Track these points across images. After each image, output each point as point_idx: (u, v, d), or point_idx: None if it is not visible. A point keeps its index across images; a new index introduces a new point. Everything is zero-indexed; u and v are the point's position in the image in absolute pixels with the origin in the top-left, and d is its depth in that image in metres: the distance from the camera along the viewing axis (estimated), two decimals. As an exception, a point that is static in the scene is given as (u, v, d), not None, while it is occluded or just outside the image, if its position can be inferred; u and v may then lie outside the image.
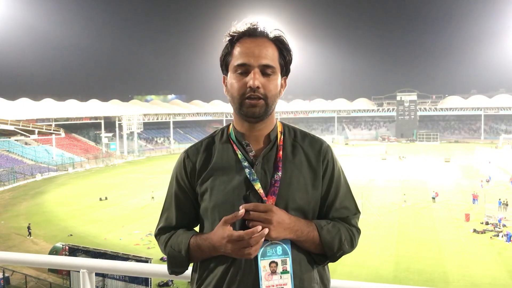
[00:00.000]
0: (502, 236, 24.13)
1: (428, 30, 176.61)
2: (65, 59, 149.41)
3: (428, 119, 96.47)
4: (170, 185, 1.59)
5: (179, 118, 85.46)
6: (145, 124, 77.12)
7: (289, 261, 1.36)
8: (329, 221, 1.46)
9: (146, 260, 17.23)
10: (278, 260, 1.35)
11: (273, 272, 1.34)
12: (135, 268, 2.35)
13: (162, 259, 21.84)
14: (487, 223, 26.77)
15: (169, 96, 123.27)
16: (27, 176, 49.36)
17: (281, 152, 1.46)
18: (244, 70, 1.39)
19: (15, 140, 58.30)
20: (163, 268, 2.02)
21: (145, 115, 78.44)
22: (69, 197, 38.46)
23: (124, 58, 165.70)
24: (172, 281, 19.07)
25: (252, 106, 1.39)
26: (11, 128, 54.59)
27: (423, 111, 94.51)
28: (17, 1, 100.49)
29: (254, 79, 1.37)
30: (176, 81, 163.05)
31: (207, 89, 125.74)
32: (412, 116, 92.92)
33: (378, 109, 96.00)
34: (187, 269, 1.53)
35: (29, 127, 56.66)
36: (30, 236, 26.42)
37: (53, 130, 60.07)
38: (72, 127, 70.64)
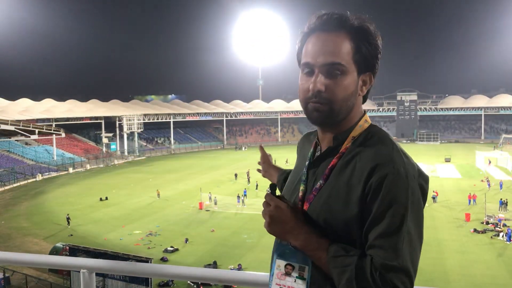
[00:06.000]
0: (503, 236, 24.13)
1: (428, 30, 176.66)
2: (66, 59, 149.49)
3: (428, 119, 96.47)
4: None
5: (179, 118, 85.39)
6: (145, 124, 77.12)
7: (308, 269, 1.25)
8: (352, 254, 1.18)
9: (146, 260, 17.22)
10: (296, 265, 1.27)
11: (287, 274, 1.28)
12: (136, 268, 2.35)
13: (162, 259, 21.87)
14: (487, 223, 26.77)
15: (169, 96, 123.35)
16: (27, 176, 49.40)
17: (336, 160, 1.29)
18: (310, 70, 1.28)
19: (16, 140, 58.31)
20: (164, 268, 2.02)
21: (145, 115, 78.42)
22: (70, 197, 38.48)
23: (125, 58, 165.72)
24: (172, 281, 19.07)
25: (315, 110, 1.28)
26: (12, 128, 54.60)
27: (423, 111, 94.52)
28: (17, 1, 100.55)
29: (315, 82, 1.25)
30: (176, 81, 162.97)
31: (207, 89, 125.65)
32: (413, 116, 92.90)
33: (378, 109, 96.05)
34: None
35: (29, 127, 56.67)
36: (69, 225, 28.55)
37: (54, 130, 60.07)
38: (73, 127, 70.63)
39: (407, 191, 1.18)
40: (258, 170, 2.14)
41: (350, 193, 1.22)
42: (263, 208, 1.32)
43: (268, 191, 1.38)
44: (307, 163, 1.40)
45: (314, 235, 1.24)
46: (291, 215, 1.27)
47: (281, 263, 1.29)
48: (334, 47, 1.25)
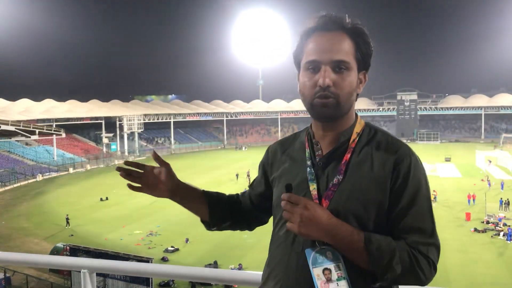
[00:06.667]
0: (503, 235, 24.12)
1: (428, 29, 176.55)
2: (66, 60, 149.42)
3: (428, 118, 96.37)
4: None
5: (179, 118, 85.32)
6: (145, 124, 77.08)
7: (342, 266, 1.26)
8: (389, 238, 1.26)
9: (147, 260, 17.22)
10: (331, 267, 1.26)
11: (329, 280, 1.25)
12: (136, 268, 2.36)
13: (163, 259, 21.88)
14: (488, 222, 26.76)
15: (170, 96, 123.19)
16: (28, 177, 49.39)
17: (348, 155, 1.34)
18: (315, 67, 1.32)
19: (16, 140, 58.29)
20: (164, 268, 2.03)
21: (145, 115, 78.38)
22: (70, 197, 38.49)
23: (125, 58, 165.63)
24: (173, 281, 19.08)
25: (323, 105, 1.31)
26: (12, 128, 54.56)
27: (423, 110, 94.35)
28: (17, 1, 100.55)
29: (324, 77, 1.29)
30: (176, 81, 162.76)
31: (208, 89, 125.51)
32: (413, 116, 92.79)
33: (378, 109, 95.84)
34: None
35: (29, 127, 56.64)
36: (69, 225, 28.57)
37: (54, 131, 60.05)
38: (73, 128, 70.62)
39: (425, 175, 1.33)
40: (131, 187, 1.51)
41: (376, 183, 1.30)
42: (285, 210, 1.28)
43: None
44: (309, 162, 1.40)
45: (348, 228, 1.27)
46: (323, 212, 1.27)
47: (318, 271, 1.26)
48: (339, 45, 1.32)
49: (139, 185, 1.51)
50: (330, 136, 1.39)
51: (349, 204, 1.30)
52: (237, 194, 1.72)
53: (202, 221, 1.65)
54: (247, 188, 1.74)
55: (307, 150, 1.43)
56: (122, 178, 1.51)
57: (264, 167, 1.60)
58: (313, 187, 1.36)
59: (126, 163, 1.53)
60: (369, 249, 1.23)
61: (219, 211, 1.62)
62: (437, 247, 1.29)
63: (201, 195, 1.61)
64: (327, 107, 1.32)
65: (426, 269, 1.25)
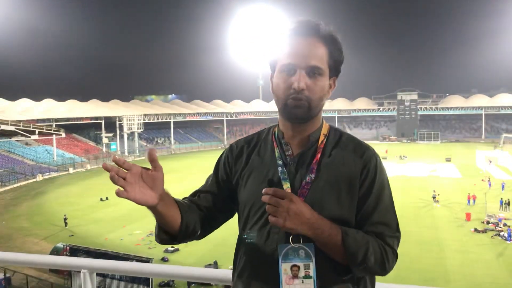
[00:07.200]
0: (503, 236, 24.12)
1: (428, 29, 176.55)
2: (66, 59, 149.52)
3: (428, 118, 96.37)
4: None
5: (179, 118, 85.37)
6: (145, 124, 77.11)
7: (312, 265, 1.30)
8: (359, 231, 1.35)
9: (147, 260, 17.26)
10: (301, 264, 1.30)
11: (295, 276, 1.29)
12: (136, 268, 2.36)
13: (163, 259, 21.88)
14: (488, 222, 26.75)
15: (170, 96, 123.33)
16: (28, 177, 49.40)
17: (319, 155, 1.41)
18: (290, 70, 1.37)
19: (16, 140, 58.33)
20: (164, 268, 2.03)
21: (145, 115, 78.41)
22: (70, 197, 38.49)
23: (125, 58, 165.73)
24: (173, 281, 19.08)
25: (296, 106, 1.36)
26: (12, 128, 54.63)
27: (423, 110, 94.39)
28: (17, 1, 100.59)
29: (299, 81, 1.34)
30: (176, 81, 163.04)
31: (208, 89, 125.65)
32: (413, 116, 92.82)
33: (378, 109, 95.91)
34: None
35: (29, 127, 56.69)
36: (67, 226, 28.40)
37: (54, 131, 60.09)
38: (73, 128, 70.63)
39: (387, 175, 1.45)
40: (118, 193, 1.34)
41: (347, 181, 1.38)
42: (269, 205, 1.26)
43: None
44: (280, 162, 1.43)
45: (326, 222, 1.32)
46: (306, 207, 1.30)
47: (286, 267, 1.30)
48: (315, 51, 1.37)
49: (123, 190, 1.33)
50: (299, 137, 1.45)
51: (323, 202, 1.36)
52: (190, 199, 1.58)
53: (164, 232, 1.46)
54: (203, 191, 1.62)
55: (277, 150, 1.47)
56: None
57: (229, 165, 1.58)
58: (286, 185, 1.39)
59: (114, 160, 1.30)
60: (347, 241, 1.30)
61: (192, 221, 1.48)
62: (399, 239, 1.41)
63: (175, 203, 1.46)
64: (300, 108, 1.36)
65: (391, 259, 1.36)
